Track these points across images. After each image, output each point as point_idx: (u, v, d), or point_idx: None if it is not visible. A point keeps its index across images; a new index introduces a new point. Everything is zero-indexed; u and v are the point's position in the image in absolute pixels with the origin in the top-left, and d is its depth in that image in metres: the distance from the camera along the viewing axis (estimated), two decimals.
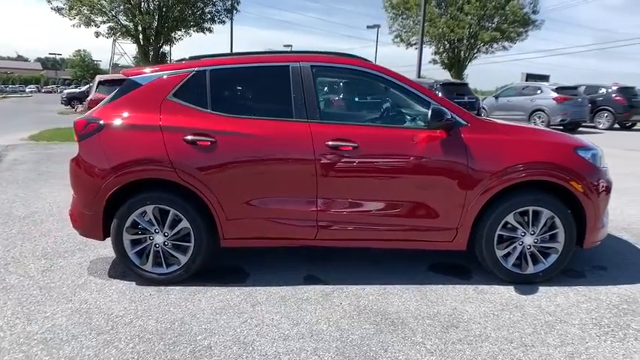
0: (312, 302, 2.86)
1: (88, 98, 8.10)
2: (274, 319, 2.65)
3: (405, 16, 23.31)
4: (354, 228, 3.03)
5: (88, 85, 31.34)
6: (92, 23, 18.65)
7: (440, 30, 20.91)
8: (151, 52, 18.65)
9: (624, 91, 15.02)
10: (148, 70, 3.16)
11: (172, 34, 18.79)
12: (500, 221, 2.99)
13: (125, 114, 3.00)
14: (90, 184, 2.99)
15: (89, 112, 3.21)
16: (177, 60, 3.41)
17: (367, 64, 3.12)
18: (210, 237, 3.05)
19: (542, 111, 13.94)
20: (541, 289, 3.02)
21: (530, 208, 2.98)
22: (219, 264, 3.38)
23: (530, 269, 3.06)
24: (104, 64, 71.14)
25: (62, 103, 28.28)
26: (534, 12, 21.85)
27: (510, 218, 2.99)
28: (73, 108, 25.01)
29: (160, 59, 19.57)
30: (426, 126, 2.97)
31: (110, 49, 45.00)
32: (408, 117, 3.20)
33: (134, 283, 3.11)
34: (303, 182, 2.95)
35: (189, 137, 2.91)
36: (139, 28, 17.77)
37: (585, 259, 3.47)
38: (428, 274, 3.29)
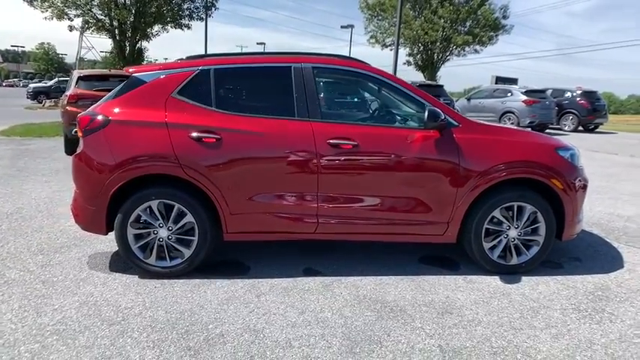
0: (314, 292, 3.00)
1: (67, 93, 7.90)
2: (280, 309, 2.78)
3: (380, 17, 23.78)
4: (352, 222, 3.19)
5: (55, 80, 30.32)
6: (65, 16, 18.00)
7: (415, 32, 21.46)
8: (128, 48, 18.16)
9: (588, 95, 15.85)
10: (152, 67, 3.22)
11: (149, 30, 18.35)
12: (487, 216, 3.21)
13: (130, 110, 3.05)
14: (94, 179, 3.02)
15: (91, 107, 3.24)
16: (178, 59, 3.47)
17: (365, 67, 3.29)
18: (213, 231, 3.14)
19: (512, 113, 14.55)
20: (524, 278, 3.27)
21: (515, 204, 3.22)
22: (219, 258, 3.47)
23: (514, 260, 3.31)
24: (69, 58, 68.77)
25: (28, 98, 27.27)
26: (504, 17, 22.83)
27: (497, 213, 3.23)
28: (40, 103, 24.15)
29: (137, 55, 19.17)
30: (420, 126, 3.16)
31: (77, 43, 43.48)
32: (404, 117, 3.39)
33: (137, 276, 3.16)
34: (304, 178, 3.08)
35: (194, 134, 2.99)
36: (115, 23, 17.28)
37: (562, 252, 3.76)
38: (419, 265, 3.49)
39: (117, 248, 3.61)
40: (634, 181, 7.24)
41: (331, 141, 3.05)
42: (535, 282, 3.23)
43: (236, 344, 2.39)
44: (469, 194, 3.15)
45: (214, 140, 3.01)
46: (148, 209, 3.06)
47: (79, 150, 3.12)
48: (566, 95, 16.05)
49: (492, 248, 3.30)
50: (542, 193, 3.25)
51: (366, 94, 3.92)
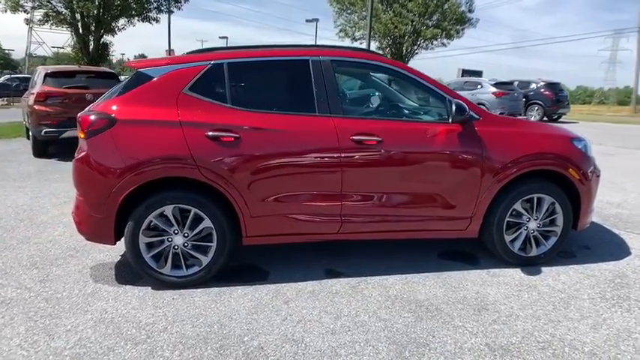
0: (343, 295, 2.89)
1: (34, 91, 7.33)
2: (313, 314, 2.65)
3: (349, 11, 23.76)
4: (377, 221, 3.10)
5: (6, 77, 28.32)
6: (20, 9, 16.62)
7: (385, 26, 21.58)
8: (92, 43, 16.99)
9: (551, 86, 16.51)
10: (159, 62, 2.97)
11: (114, 24, 17.27)
12: (509, 208, 3.21)
13: (138, 108, 2.81)
14: (101, 184, 2.76)
15: (91, 106, 2.96)
16: (186, 53, 3.23)
17: (385, 60, 3.19)
18: (232, 236, 2.96)
19: (483, 105, 14.87)
20: (544, 269, 3.30)
21: (535, 196, 3.23)
22: (234, 263, 3.29)
23: (534, 252, 3.32)
24: (17, 54, 64.66)
25: None
26: (470, 11, 23.38)
27: (518, 205, 3.23)
28: None
29: (101, 50, 18.04)
30: (443, 120, 3.10)
31: (26, 38, 40.82)
32: (426, 111, 3.32)
33: (149, 287, 2.94)
34: (327, 177, 2.95)
35: (211, 133, 2.79)
36: (78, 16, 16.12)
37: (571, 241, 3.82)
38: (439, 261, 3.45)
39: (119, 258, 3.38)
40: (610, 169, 7.54)
41: (355, 137, 2.93)
42: (556, 272, 3.26)
43: (279, 357, 2.24)
44: (491, 188, 3.13)
45: (232, 139, 2.82)
46: (161, 215, 2.84)
47: (80, 153, 2.84)
48: (532, 87, 16.64)
49: (513, 241, 3.30)
50: (558, 184, 3.28)
51: (386, 88, 3.82)
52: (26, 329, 2.43)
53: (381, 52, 22.26)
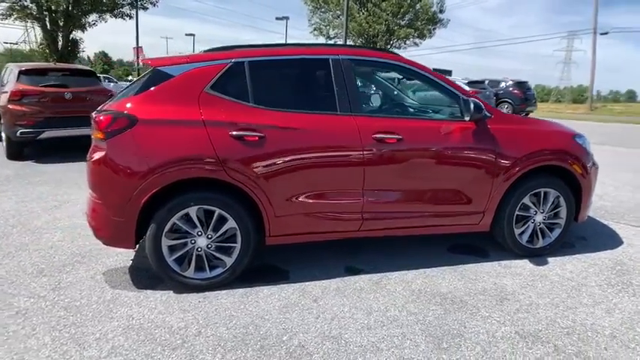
0: (368, 291, 2.93)
1: (8, 89, 6.92)
2: (345, 311, 2.67)
3: (324, 9, 23.84)
4: (396, 217, 3.16)
5: None
6: None
7: (360, 25, 21.83)
8: (61, 39, 16.07)
9: (520, 85, 17.22)
10: (178, 59, 2.90)
11: (85, 19, 16.41)
12: (519, 202, 3.35)
13: (159, 108, 2.74)
14: (122, 186, 2.67)
15: (108, 105, 2.85)
16: (204, 51, 3.17)
17: (401, 59, 3.24)
18: (256, 236, 2.94)
19: None
20: (550, 260, 3.47)
21: (542, 190, 3.39)
22: (252, 265, 3.26)
23: (540, 243, 3.49)
24: None
25: None
26: (441, 11, 23.99)
27: (526, 199, 3.38)
28: None
29: (71, 46, 17.10)
30: (457, 118, 3.20)
31: None
32: (442, 110, 3.40)
33: (171, 291, 2.87)
34: (350, 175, 2.99)
35: (236, 133, 2.76)
36: (45, 11, 15.18)
37: (569, 233, 4.02)
38: (451, 255, 3.55)
39: (130, 262, 3.29)
40: None
41: (376, 135, 2.98)
42: (561, 262, 3.44)
43: (323, 354, 2.26)
44: (503, 183, 3.25)
45: (257, 139, 2.80)
46: (184, 217, 2.78)
47: (97, 154, 2.73)
48: (501, 85, 17.30)
49: (521, 233, 3.45)
50: (562, 179, 3.45)
51: (403, 87, 3.88)
52: (52, 339, 2.33)
53: None
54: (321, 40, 23.81)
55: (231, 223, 2.84)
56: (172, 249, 2.82)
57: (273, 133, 2.82)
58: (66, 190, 5.32)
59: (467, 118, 3.13)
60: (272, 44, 3.18)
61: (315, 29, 24.14)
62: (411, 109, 3.61)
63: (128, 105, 2.74)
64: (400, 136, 3.02)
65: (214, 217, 2.81)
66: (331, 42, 24.25)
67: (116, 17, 16.82)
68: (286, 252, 3.45)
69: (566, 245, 3.75)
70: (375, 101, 3.95)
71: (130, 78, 43.39)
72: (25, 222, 4.17)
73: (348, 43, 22.68)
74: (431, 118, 3.39)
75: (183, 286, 2.87)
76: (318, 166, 2.92)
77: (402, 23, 22.00)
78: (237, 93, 2.87)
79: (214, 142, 2.71)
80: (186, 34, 55.43)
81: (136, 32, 20.87)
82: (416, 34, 21.86)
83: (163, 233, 2.75)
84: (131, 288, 2.92)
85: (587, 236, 4.03)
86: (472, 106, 3.03)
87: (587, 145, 3.57)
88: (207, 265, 2.87)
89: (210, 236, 2.84)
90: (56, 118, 6.88)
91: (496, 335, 2.45)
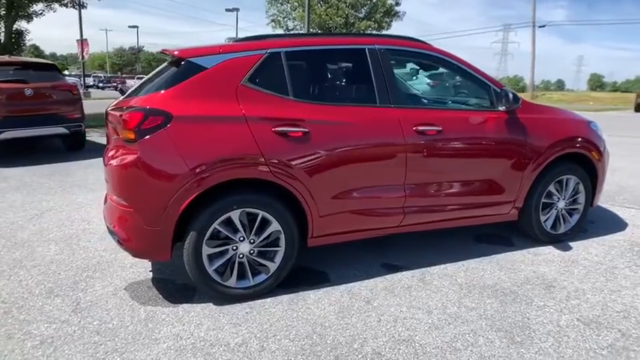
0: (417, 289, 2.85)
1: None
2: (403, 311, 2.57)
3: (281, 1, 23.34)
4: (435, 210, 3.10)
5: None
6: None
7: (319, 17, 21.62)
8: (3, 29, 14.34)
9: None
10: (210, 50, 2.63)
11: (30, 8, 14.70)
12: (545, 190, 3.40)
13: (194, 103, 2.46)
14: (158, 192, 2.38)
15: (134, 101, 2.53)
16: (235, 39, 2.89)
17: (435, 49, 3.16)
18: (300, 238, 2.76)
19: None
20: (572, 244, 3.56)
21: (564, 177, 3.47)
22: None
23: (562, 229, 3.58)
24: None
25: None
26: (397, 4, 24.31)
27: (551, 187, 3.44)
28: None
29: (15, 38, 15.35)
30: (491, 107, 3.18)
31: None
32: (477, 100, 3.35)
33: (211, 304, 2.63)
34: (393, 169, 2.88)
35: (280, 129, 2.55)
36: None
37: None
38: (479, 246, 3.55)
39: (150, 275, 3.00)
40: None
41: (418, 127, 2.88)
42: (583, 246, 3.55)
43: (403, 359, 2.14)
44: (533, 172, 3.29)
45: (301, 134, 2.60)
46: (226, 222, 2.54)
47: (126, 156, 2.42)
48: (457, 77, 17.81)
49: (546, 220, 3.52)
50: (580, 165, 3.54)
51: (437, 78, 3.79)
52: None
53: None
54: (279, 32, 23.39)
55: (275, 226, 2.64)
56: (211, 257, 2.57)
57: (316, 127, 2.64)
58: (42, 197, 4.79)
59: (502, 108, 3.11)
60: (301, 33, 2.97)
61: (272, 21, 23.67)
62: (445, 100, 3.55)
63: (158, 100, 2.44)
64: (440, 128, 2.95)
65: (257, 221, 2.60)
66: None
67: (67, 6, 15.39)
68: (316, 253, 3.28)
69: (579, 229, 3.89)
70: (411, 92, 3.85)
71: (66, 72, 40.30)
72: (8, 235, 3.69)
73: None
74: (467, 109, 3.34)
75: (224, 297, 2.64)
76: (362, 161, 2.78)
77: (361, 16, 22.13)
78: (275, 85, 2.66)
79: (258, 139, 2.49)
80: (129, 26, 52.51)
81: (79, 24, 19.28)
82: (375, 27, 22.03)
83: (204, 241, 2.50)
84: (164, 303, 2.64)
85: (594, 220, 4.19)
86: (511, 96, 3.01)
87: (600, 131, 3.69)
88: (249, 272, 2.65)
89: (252, 241, 2.62)
90: (15, 117, 6.18)
91: (561, 324, 2.45)
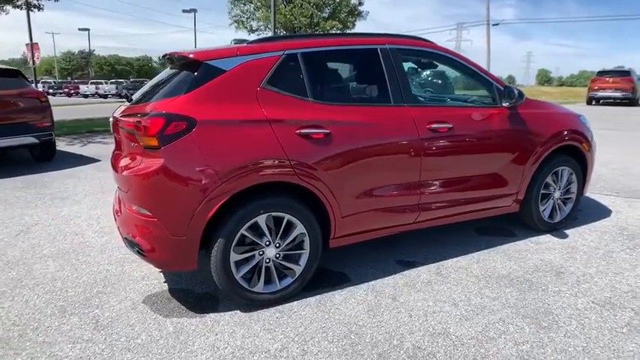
0: (437, 283, 2.91)
1: None
2: (430, 305, 2.63)
3: (244, 1, 23.01)
4: (446, 206, 3.18)
5: None
6: None
7: (284, 17, 21.50)
8: None
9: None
10: (227, 52, 2.57)
11: None
12: (543, 182, 3.58)
13: (216, 107, 2.40)
14: (185, 199, 2.31)
15: (152, 106, 2.43)
16: (235, 41, 2.83)
17: (445, 49, 3.25)
18: (323, 239, 2.76)
19: None
20: (567, 232, 3.76)
21: (560, 168, 3.66)
22: None
23: (558, 218, 3.77)
24: None
25: None
26: (360, 4, 24.56)
27: (549, 178, 3.62)
28: None
29: None
30: (495, 104, 3.30)
31: None
32: (482, 97, 3.46)
33: (238, 311, 2.58)
34: (409, 167, 2.93)
35: (303, 131, 2.53)
36: None
37: None
38: (484, 238, 3.68)
39: (166, 285, 2.90)
40: None
41: (431, 125, 2.95)
42: (577, 233, 3.76)
43: (445, 352, 2.19)
44: (533, 165, 3.44)
45: (323, 135, 2.60)
46: (253, 227, 2.50)
47: (148, 164, 2.32)
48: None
49: (544, 210, 3.69)
50: (573, 156, 3.75)
51: (444, 77, 3.86)
52: None
53: None
54: (243, 33, 23.12)
55: (299, 229, 2.62)
56: (238, 264, 2.52)
57: (337, 128, 2.65)
58: (23, 212, 4.50)
59: (506, 104, 3.24)
60: (309, 34, 2.96)
61: (235, 22, 23.31)
62: (451, 97, 3.65)
63: (180, 105, 2.37)
64: (450, 125, 3.04)
65: (283, 224, 2.57)
66: (254, 35, 23.71)
67: (21, 8, 14.42)
68: (332, 254, 3.26)
69: (572, 218, 4.10)
70: (420, 91, 3.92)
71: None
72: None
73: (269, 35, 22.43)
74: (474, 106, 3.44)
75: (251, 304, 2.60)
76: (381, 160, 2.82)
77: (325, 15, 22.25)
78: (294, 87, 2.64)
79: (283, 142, 2.47)
80: (80, 29, 50.10)
81: (28, 27, 18.17)
82: (340, 26, 22.20)
83: (232, 248, 2.45)
84: (189, 314, 2.56)
85: (581, 208, 4.44)
86: (516, 92, 3.15)
87: (588, 124, 3.92)
88: (276, 277, 2.62)
89: (278, 245, 2.59)
90: None
91: (579, 307, 2.59)
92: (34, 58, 21.62)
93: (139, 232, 2.44)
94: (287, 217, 2.57)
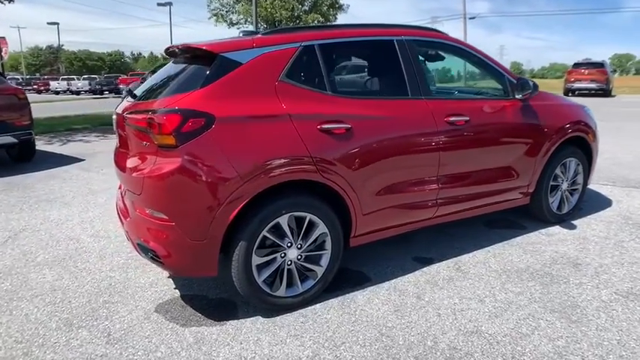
0: (459, 279, 2.85)
1: None
2: (456, 303, 2.57)
3: None
4: (463, 200, 3.12)
5: None
6: None
7: (265, 10, 21.12)
8: None
9: None
10: (242, 43, 2.41)
11: None
12: (553, 173, 3.57)
13: (236, 102, 2.26)
14: (205, 201, 2.16)
15: (166, 101, 2.25)
16: (264, 32, 2.67)
17: (458, 41, 3.17)
18: (344, 238, 2.65)
19: None
20: (575, 223, 3.78)
21: (567, 160, 3.66)
22: None
23: (566, 209, 3.78)
24: None
25: None
26: None
27: (558, 170, 3.61)
28: None
29: None
30: (507, 96, 3.25)
31: None
32: (495, 89, 3.40)
33: (260, 317, 2.46)
34: (428, 161, 2.86)
35: (325, 126, 2.42)
36: None
37: None
38: (495, 231, 3.65)
39: (177, 292, 2.75)
40: None
41: (449, 118, 2.88)
42: (584, 223, 3.77)
43: (482, 351, 2.13)
44: (544, 157, 3.43)
45: (344, 131, 2.49)
46: (275, 228, 2.38)
47: (165, 164, 2.16)
48: None
49: (552, 202, 3.69)
50: (579, 147, 3.75)
51: (458, 68, 3.78)
52: None
53: None
54: (223, 26, 22.60)
55: (321, 229, 2.51)
56: (260, 267, 2.40)
57: (358, 123, 2.54)
58: (8, 216, 4.22)
59: (519, 96, 3.20)
60: (322, 25, 2.82)
61: (214, 15, 22.74)
62: (465, 90, 3.59)
63: (194, 100, 2.21)
64: (467, 118, 2.97)
65: (305, 224, 2.46)
66: (234, 28, 23.26)
67: None
68: (348, 253, 3.16)
69: (577, 208, 4.13)
70: (434, 83, 3.83)
71: None
72: None
73: (249, 28, 22.04)
74: (489, 98, 3.39)
75: (272, 308, 2.48)
76: (402, 155, 2.73)
77: (305, 9, 21.99)
78: (312, 80, 2.52)
79: (305, 138, 2.35)
80: (49, 23, 48.04)
81: None
82: (322, 20, 21.99)
83: (253, 250, 2.32)
84: (207, 322, 2.42)
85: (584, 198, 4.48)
86: (531, 84, 3.11)
87: (592, 115, 3.93)
88: (298, 279, 2.51)
89: (300, 246, 2.48)
90: None
91: (604, 299, 2.57)
92: (2, 54, 20.63)
93: (153, 236, 2.27)
94: (309, 216, 2.45)
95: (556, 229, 3.66)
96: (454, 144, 2.94)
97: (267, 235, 2.36)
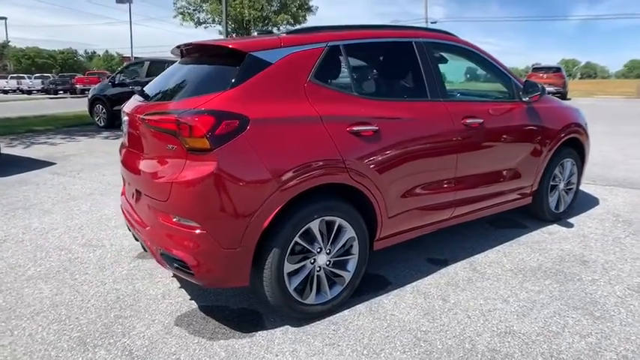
0: (477, 280, 2.88)
1: None
2: (482, 304, 2.58)
3: None
4: (475, 201, 3.16)
5: None
6: None
7: (234, 9, 20.64)
8: None
9: None
10: (270, 42, 2.31)
11: None
12: (553, 173, 3.69)
13: (268, 103, 2.16)
14: (239, 207, 2.05)
15: (195, 103, 2.11)
16: (289, 32, 2.56)
17: (470, 44, 3.20)
18: (370, 242, 2.61)
19: None
20: (570, 221, 3.92)
21: (564, 161, 3.79)
22: None
23: (562, 208, 3.92)
24: None
25: None
26: None
27: (556, 170, 3.73)
28: None
29: None
30: (514, 99, 3.32)
31: None
32: (503, 92, 3.45)
33: (288, 326, 2.37)
34: (447, 162, 2.86)
35: (355, 128, 2.36)
36: None
37: None
38: (500, 231, 3.72)
39: (194, 303, 2.62)
40: None
41: (465, 120, 2.90)
42: (579, 221, 3.92)
43: (521, 352, 2.14)
44: (546, 158, 3.53)
45: (372, 133, 2.45)
46: (305, 233, 2.29)
47: (197, 168, 2.02)
48: None
49: (551, 202, 3.81)
50: (573, 148, 3.90)
51: (469, 71, 3.78)
52: None
53: (229, 37, 21.38)
54: (188, 25, 21.93)
55: (349, 233, 2.45)
56: (290, 275, 2.30)
57: (384, 125, 2.51)
58: None
59: (526, 99, 3.28)
60: (343, 26, 2.75)
61: (180, 14, 22.02)
62: (480, 92, 3.63)
63: (225, 101, 2.08)
64: (481, 120, 3.01)
65: (334, 229, 2.39)
66: (201, 28, 22.65)
67: None
68: None
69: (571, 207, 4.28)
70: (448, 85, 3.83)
71: None
72: None
73: (217, 28, 21.67)
74: (499, 100, 3.43)
75: (301, 317, 2.39)
76: (425, 157, 2.72)
77: (275, 9, 21.74)
78: (339, 81, 2.47)
79: (336, 141, 2.28)
80: None
81: None
82: (291, 21, 21.81)
83: (286, 257, 2.22)
84: (235, 334, 2.30)
85: None
86: (540, 87, 3.19)
87: (583, 117, 4.10)
88: (327, 285, 2.43)
89: (329, 251, 2.41)
90: None
91: (619, 295, 2.67)
92: None
93: (180, 245, 2.12)
94: (338, 220, 2.39)
95: (555, 228, 3.78)
96: (470, 145, 2.96)
97: (299, 240, 2.27)
